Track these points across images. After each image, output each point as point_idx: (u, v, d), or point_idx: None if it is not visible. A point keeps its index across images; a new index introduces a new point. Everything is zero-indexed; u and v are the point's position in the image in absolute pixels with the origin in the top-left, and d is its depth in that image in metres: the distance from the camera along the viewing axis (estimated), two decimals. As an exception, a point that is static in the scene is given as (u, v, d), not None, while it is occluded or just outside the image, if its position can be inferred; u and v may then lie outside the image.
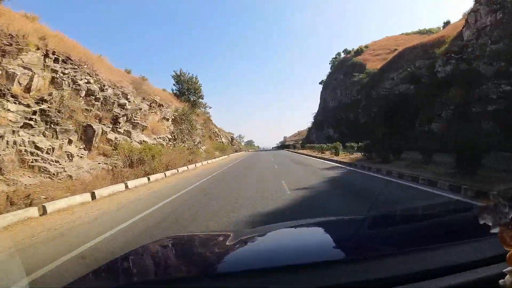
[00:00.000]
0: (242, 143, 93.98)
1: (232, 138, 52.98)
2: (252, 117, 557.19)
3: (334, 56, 56.89)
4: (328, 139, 34.96)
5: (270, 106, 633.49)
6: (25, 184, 6.83)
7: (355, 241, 1.05)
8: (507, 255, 0.58)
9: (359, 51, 44.41)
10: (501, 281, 0.60)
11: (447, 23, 34.44)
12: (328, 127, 41.50)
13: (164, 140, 16.32)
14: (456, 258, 0.71)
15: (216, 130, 37.81)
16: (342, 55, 53.20)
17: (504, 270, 0.61)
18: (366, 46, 45.31)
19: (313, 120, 56.54)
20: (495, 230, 0.60)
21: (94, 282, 0.91)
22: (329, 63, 56.91)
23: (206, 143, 26.85)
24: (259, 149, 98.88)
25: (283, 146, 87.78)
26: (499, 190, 4.88)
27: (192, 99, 27.75)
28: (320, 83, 60.25)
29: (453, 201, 4.83)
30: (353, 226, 1.32)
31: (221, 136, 39.56)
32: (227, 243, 1.19)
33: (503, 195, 4.82)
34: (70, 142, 9.37)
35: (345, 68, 42.44)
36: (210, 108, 34.99)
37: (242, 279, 0.73)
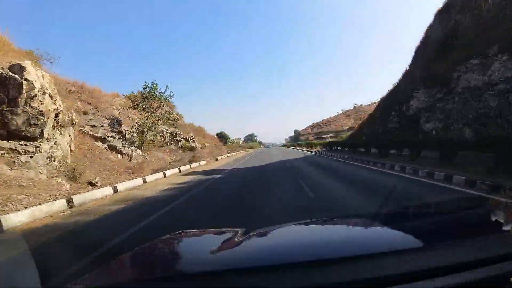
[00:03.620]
0: (241, 140, 49.28)
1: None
2: (253, 112, 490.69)
3: None
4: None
5: (276, 98, 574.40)
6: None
7: (365, 238, 1.05)
8: None
9: None
10: None
11: None
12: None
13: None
14: (469, 255, 0.71)
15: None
16: None
17: None
18: None
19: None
20: (508, 227, 0.61)
21: (102, 279, 0.93)
22: None
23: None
24: (263, 146, 69.05)
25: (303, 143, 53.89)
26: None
27: None
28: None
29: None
30: (365, 223, 1.32)
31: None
32: (236, 240, 1.20)
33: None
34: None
35: None
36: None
37: (251, 276, 0.75)
